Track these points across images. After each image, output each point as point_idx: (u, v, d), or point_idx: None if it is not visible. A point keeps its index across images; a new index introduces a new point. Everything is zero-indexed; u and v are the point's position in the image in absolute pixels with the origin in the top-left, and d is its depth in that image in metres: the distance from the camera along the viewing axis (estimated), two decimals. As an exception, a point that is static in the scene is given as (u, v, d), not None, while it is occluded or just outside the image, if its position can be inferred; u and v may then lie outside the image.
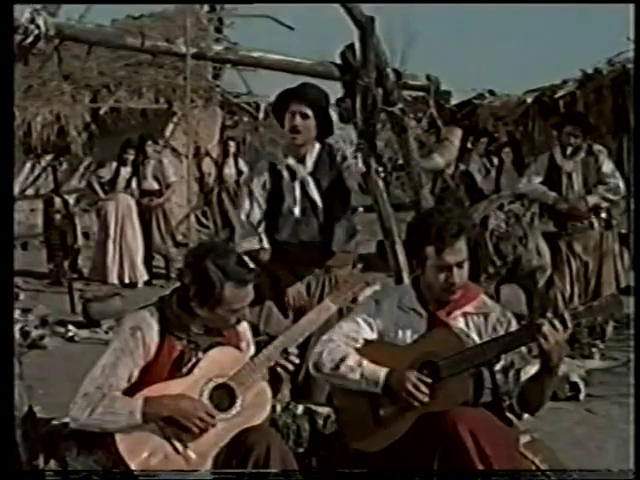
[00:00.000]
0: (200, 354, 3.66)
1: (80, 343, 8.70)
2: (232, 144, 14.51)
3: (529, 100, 14.10)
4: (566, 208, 7.78)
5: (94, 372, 3.60)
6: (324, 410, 5.03)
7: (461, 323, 3.92)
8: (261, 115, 17.62)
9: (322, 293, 5.19)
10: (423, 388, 3.73)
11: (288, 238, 5.19)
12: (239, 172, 13.90)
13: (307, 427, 4.92)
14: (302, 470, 3.83)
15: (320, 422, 4.99)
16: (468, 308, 3.95)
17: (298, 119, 5.02)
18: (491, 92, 15.40)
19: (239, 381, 3.64)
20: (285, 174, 5.20)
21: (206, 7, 15.44)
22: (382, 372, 3.83)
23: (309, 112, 5.02)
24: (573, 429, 5.93)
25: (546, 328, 3.61)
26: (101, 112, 14.33)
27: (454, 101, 12.76)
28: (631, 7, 4.74)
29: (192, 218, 15.14)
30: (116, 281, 11.67)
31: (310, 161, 5.20)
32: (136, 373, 3.60)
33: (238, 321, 3.73)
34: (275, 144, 25.62)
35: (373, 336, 4.01)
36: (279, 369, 3.73)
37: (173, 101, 14.66)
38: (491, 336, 3.87)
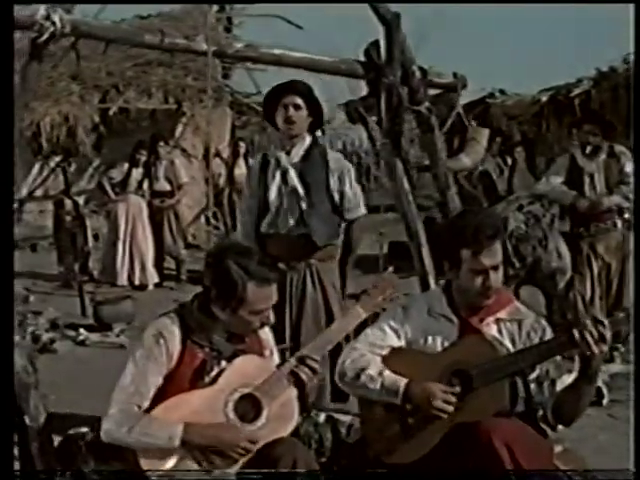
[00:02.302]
0: (223, 363, 3.53)
1: (91, 347, 8.57)
2: (242, 144, 14.42)
3: (543, 99, 13.96)
4: (586, 207, 7.63)
5: (123, 381, 3.48)
6: (347, 418, 4.92)
7: (494, 330, 3.79)
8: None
9: (304, 288, 5.21)
10: (450, 399, 3.60)
11: (268, 229, 5.31)
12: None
13: (329, 436, 4.82)
14: (327, 480, 3.73)
15: (343, 431, 4.88)
16: (501, 314, 3.81)
17: (291, 110, 5.20)
18: (502, 91, 15.27)
19: (265, 391, 3.51)
20: (272, 165, 5.35)
21: (215, 7, 15.33)
22: (402, 382, 3.71)
23: (301, 103, 5.20)
24: (597, 435, 5.81)
25: (587, 336, 3.48)
26: (110, 113, 14.22)
27: (463, 100, 12.64)
28: (631, 7, 4.73)
29: (202, 219, 15.08)
30: (126, 283, 11.57)
31: (298, 152, 5.31)
32: (161, 381, 3.48)
33: (262, 325, 3.58)
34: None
35: (400, 344, 3.88)
36: (302, 376, 3.58)
37: (182, 101, 14.54)
38: (525, 344, 3.74)
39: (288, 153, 5.33)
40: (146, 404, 3.44)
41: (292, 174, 5.27)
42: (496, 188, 11.16)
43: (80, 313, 9.73)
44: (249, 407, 3.50)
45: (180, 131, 14.88)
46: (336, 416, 4.88)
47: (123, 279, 11.61)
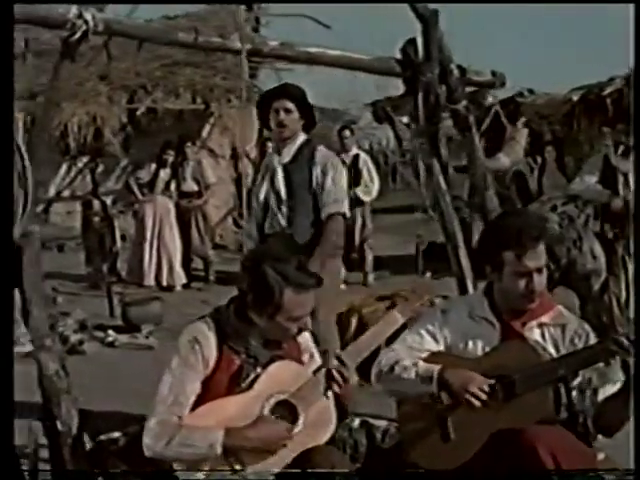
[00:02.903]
0: (259, 369, 3.44)
1: (120, 348, 8.53)
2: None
3: (575, 98, 13.78)
4: (621, 207, 7.50)
5: (161, 391, 3.39)
6: (382, 423, 4.81)
7: (537, 335, 3.69)
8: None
9: None
10: (485, 388, 3.52)
11: (269, 230, 5.44)
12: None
13: (364, 441, 4.71)
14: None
15: (378, 436, 4.77)
16: (544, 319, 3.71)
17: (282, 114, 5.35)
18: (530, 91, 15.10)
19: (301, 398, 3.41)
20: (267, 166, 5.54)
21: (243, 6, 15.26)
22: (436, 367, 3.63)
23: (292, 107, 5.35)
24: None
25: (628, 343, 3.38)
26: (138, 113, 14.20)
27: (490, 99, 12.51)
28: (631, 7, 4.69)
29: (230, 220, 15.04)
30: (153, 284, 11.54)
31: (289, 153, 5.44)
32: (199, 388, 3.39)
33: (299, 331, 3.49)
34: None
35: (439, 348, 3.80)
36: (332, 384, 3.49)
37: (210, 101, 14.49)
38: (568, 349, 3.64)
39: (280, 153, 5.48)
40: (186, 413, 3.36)
41: (279, 175, 5.42)
42: (529, 188, 11.03)
43: (108, 314, 9.71)
44: (285, 414, 3.41)
45: (207, 131, 14.85)
46: (371, 421, 4.77)
47: (150, 280, 11.59)
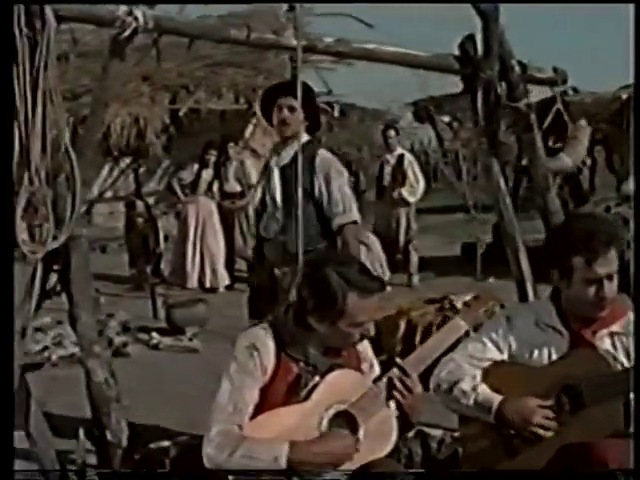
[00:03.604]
0: (317, 378, 3.30)
1: (164, 351, 8.45)
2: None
3: (624, 96, 13.51)
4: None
5: (220, 399, 3.26)
6: (438, 432, 4.69)
7: (607, 344, 3.53)
8: (336, 114, 17.29)
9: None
10: (550, 415, 3.36)
11: (262, 232, 5.24)
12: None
13: (419, 451, 4.59)
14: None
15: (434, 446, 4.66)
16: (615, 327, 3.55)
17: (286, 112, 5.15)
18: (574, 89, 14.83)
19: (361, 408, 3.27)
20: (266, 167, 5.31)
21: (285, 6, 15.15)
22: (496, 400, 3.49)
23: (296, 105, 5.03)
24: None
25: None
26: (180, 113, 14.14)
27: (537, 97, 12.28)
28: (631, 7, 4.61)
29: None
30: (196, 285, 11.48)
31: (289, 154, 5.18)
32: (257, 395, 3.26)
33: (362, 337, 3.35)
34: (351, 144, 25.43)
35: (502, 357, 3.65)
36: (395, 394, 3.34)
37: (253, 101, 14.39)
38: None
39: (279, 154, 5.26)
40: (246, 422, 3.23)
41: (276, 178, 5.20)
42: (582, 189, 10.82)
43: (152, 316, 9.65)
44: (344, 425, 3.27)
45: (250, 131, 14.75)
46: (426, 430, 4.65)
47: (193, 281, 11.53)
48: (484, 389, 3.55)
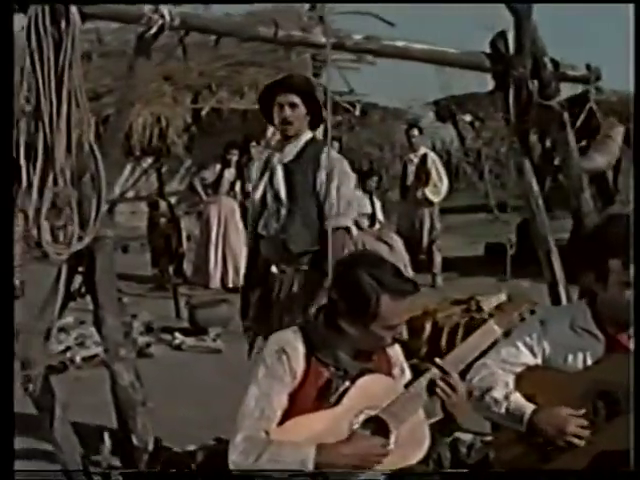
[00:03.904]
0: (347, 382, 3.22)
1: (187, 351, 8.40)
2: (336, 144, 14.13)
3: (650, 94, 13.35)
4: None
5: (247, 404, 3.19)
6: (468, 437, 4.61)
7: (646, 348, 3.43)
8: (357, 114, 17.23)
9: (290, 295, 4.94)
10: (583, 423, 3.28)
11: (262, 230, 5.09)
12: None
13: (448, 455, 4.51)
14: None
15: (463, 450, 4.59)
16: (652, 331, 3.45)
17: (287, 110, 4.96)
18: (597, 88, 14.68)
19: (393, 414, 3.19)
20: (267, 164, 5.13)
21: (307, 5, 15.11)
22: (528, 410, 3.43)
23: (298, 101, 4.94)
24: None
25: None
26: (202, 113, 14.11)
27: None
28: (631, 7, 4.55)
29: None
30: (219, 285, 11.42)
31: (292, 151, 5.03)
32: (286, 401, 3.19)
33: (393, 341, 3.27)
34: (372, 144, 25.33)
35: (536, 361, 3.57)
36: (439, 393, 3.25)
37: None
38: None
39: (282, 151, 5.08)
40: (274, 427, 3.16)
41: (279, 175, 5.03)
42: (609, 189, 10.67)
43: (174, 316, 9.60)
44: (375, 430, 3.20)
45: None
46: (456, 434, 4.56)
47: (216, 281, 11.48)
48: (517, 397, 3.49)
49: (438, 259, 11.81)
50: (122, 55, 13.44)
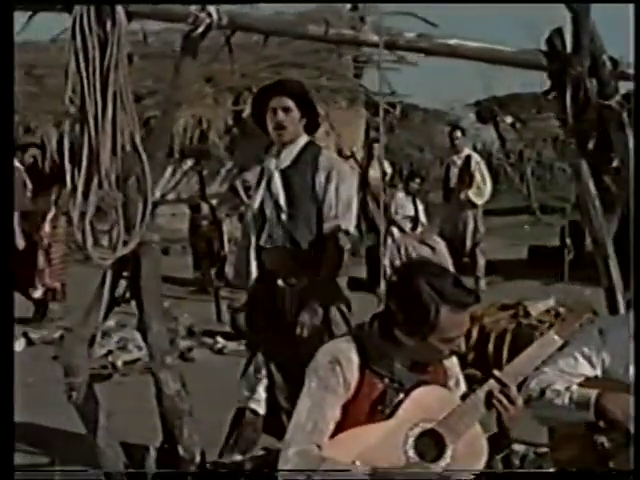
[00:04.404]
0: (402, 395, 3.10)
1: (229, 355, 8.32)
2: (377, 146, 14.00)
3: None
4: None
5: (299, 417, 3.08)
6: (520, 448, 4.47)
7: None
8: (397, 114, 17.12)
9: (300, 304, 4.77)
10: None
11: (266, 242, 4.89)
12: (384, 174, 13.42)
13: (500, 467, 4.37)
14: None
15: (516, 462, 4.45)
16: None
17: (281, 114, 4.83)
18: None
19: (449, 427, 3.07)
20: (263, 171, 4.98)
21: (348, 6, 15.04)
22: (593, 393, 3.31)
23: (291, 105, 4.82)
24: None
25: None
26: (243, 115, 14.06)
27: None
28: (631, 7, 4.48)
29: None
30: (259, 288, 11.32)
31: (289, 156, 4.89)
32: (339, 413, 3.07)
33: (451, 353, 3.15)
34: (413, 145, 25.20)
35: (595, 373, 3.45)
36: (497, 406, 3.13)
37: (316, 102, 14.26)
38: None
39: (279, 157, 4.92)
40: (326, 441, 3.05)
41: (277, 181, 4.87)
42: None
43: (216, 319, 9.54)
44: (431, 444, 3.07)
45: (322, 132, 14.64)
46: (508, 444, 4.43)
47: (257, 285, 11.37)
48: (578, 387, 3.40)
49: (481, 262, 11.68)
50: (163, 57, 13.43)
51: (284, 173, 4.87)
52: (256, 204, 4.92)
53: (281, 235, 4.84)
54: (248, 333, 5.11)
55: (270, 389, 4.93)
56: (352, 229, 4.92)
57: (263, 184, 4.93)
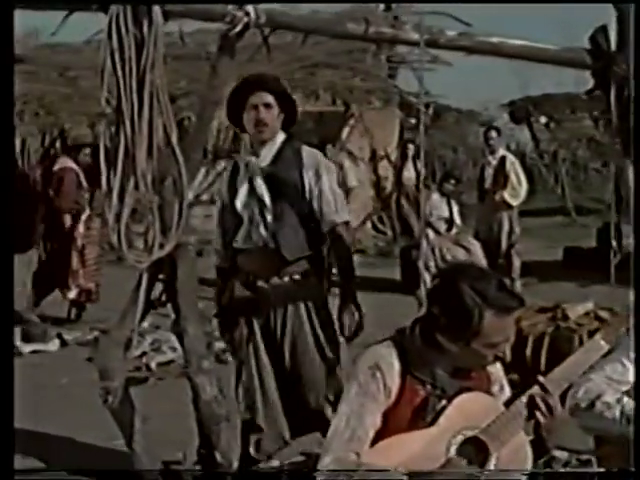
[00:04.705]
0: (444, 401, 3.02)
1: (263, 358, 8.24)
2: (411, 146, 13.89)
3: None
4: None
5: (338, 423, 2.99)
6: (563, 455, 4.38)
7: None
8: (430, 113, 17.04)
9: (285, 306, 4.62)
10: None
11: (243, 243, 4.72)
12: (418, 175, 13.34)
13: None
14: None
15: (557, 468, 4.35)
16: None
17: (262, 111, 4.66)
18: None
19: (493, 434, 2.97)
20: (242, 171, 4.80)
21: (381, 5, 14.96)
22: None
23: (272, 100, 4.68)
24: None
25: None
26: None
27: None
28: (631, 7, 4.39)
29: (368, 224, 14.71)
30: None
31: (269, 154, 4.73)
32: (379, 421, 2.99)
33: (495, 359, 3.06)
34: (446, 146, 25.05)
35: None
36: (536, 414, 3.04)
37: (350, 103, 14.19)
38: None
39: (258, 155, 4.75)
40: (366, 449, 2.95)
41: (259, 180, 4.70)
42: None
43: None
44: (474, 452, 2.98)
45: (347, 133, 14.56)
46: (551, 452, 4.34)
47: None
48: (630, 400, 3.29)
49: (517, 263, 11.54)
50: (197, 58, 13.42)
51: (266, 172, 4.72)
52: (239, 205, 4.74)
53: (265, 235, 4.67)
54: (231, 340, 4.80)
55: (265, 398, 4.66)
56: (348, 217, 4.83)
57: (244, 184, 4.76)
